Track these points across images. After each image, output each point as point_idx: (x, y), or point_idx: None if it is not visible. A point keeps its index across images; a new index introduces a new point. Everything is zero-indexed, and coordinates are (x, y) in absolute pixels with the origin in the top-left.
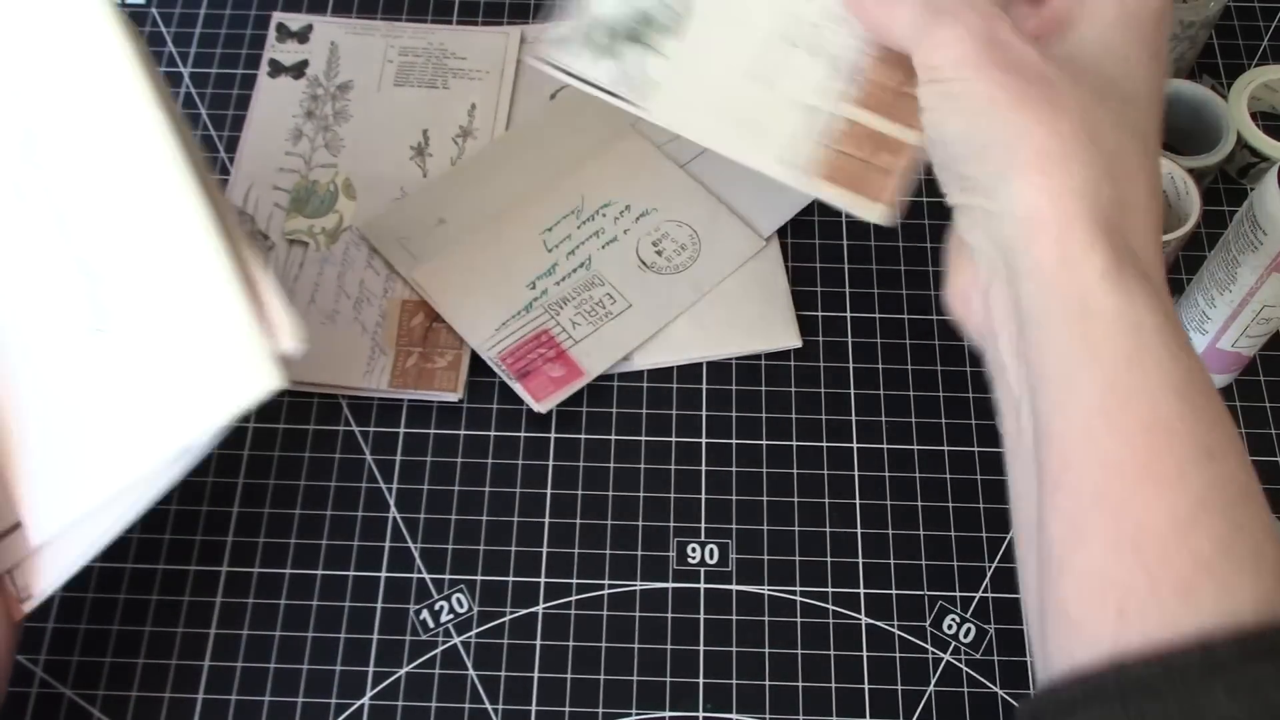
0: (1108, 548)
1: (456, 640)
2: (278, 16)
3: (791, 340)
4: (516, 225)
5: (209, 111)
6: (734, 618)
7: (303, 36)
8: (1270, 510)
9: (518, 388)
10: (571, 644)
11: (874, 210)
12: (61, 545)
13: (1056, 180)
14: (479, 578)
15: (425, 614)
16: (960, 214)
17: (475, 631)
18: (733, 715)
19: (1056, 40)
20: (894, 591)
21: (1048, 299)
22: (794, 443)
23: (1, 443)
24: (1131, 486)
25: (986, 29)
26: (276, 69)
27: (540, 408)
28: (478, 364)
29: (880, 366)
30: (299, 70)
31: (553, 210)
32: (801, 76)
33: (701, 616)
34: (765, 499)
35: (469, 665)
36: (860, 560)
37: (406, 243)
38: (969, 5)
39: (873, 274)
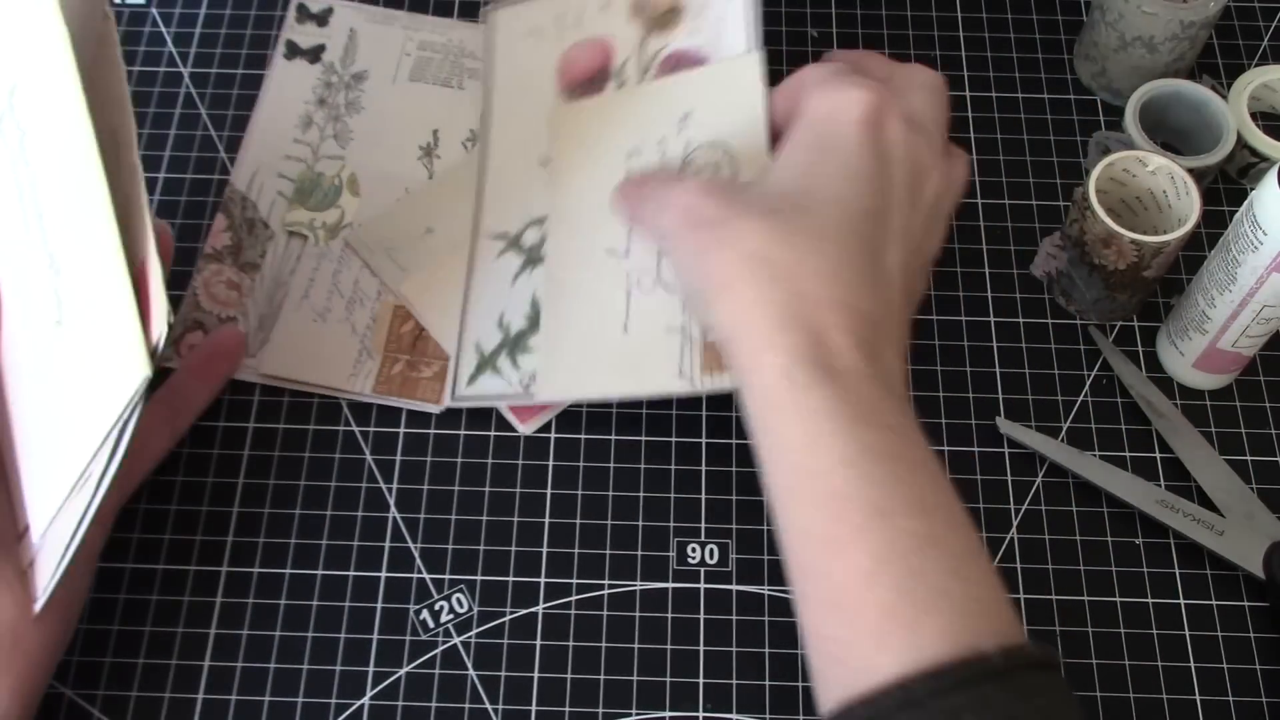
0: (817, 607)
1: (456, 640)
2: None
3: None
4: None
5: (209, 111)
6: (734, 618)
7: (322, 20)
8: (971, 545)
9: (502, 407)
10: (571, 644)
11: None
12: (47, 547)
13: (736, 302)
14: (479, 578)
15: (425, 614)
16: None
17: (475, 631)
18: (733, 715)
19: (763, 177)
20: None
21: (750, 396)
22: None
23: (12, 439)
24: (820, 551)
25: (686, 202)
26: (293, 50)
27: (525, 430)
28: None
29: None
30: (315, 55)
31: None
32: (665, 308)
33: (701, 616)
34: (765, 499)
35: (469, 665)
36: None
37: (394, 254)
38: (683, 187)
39: None
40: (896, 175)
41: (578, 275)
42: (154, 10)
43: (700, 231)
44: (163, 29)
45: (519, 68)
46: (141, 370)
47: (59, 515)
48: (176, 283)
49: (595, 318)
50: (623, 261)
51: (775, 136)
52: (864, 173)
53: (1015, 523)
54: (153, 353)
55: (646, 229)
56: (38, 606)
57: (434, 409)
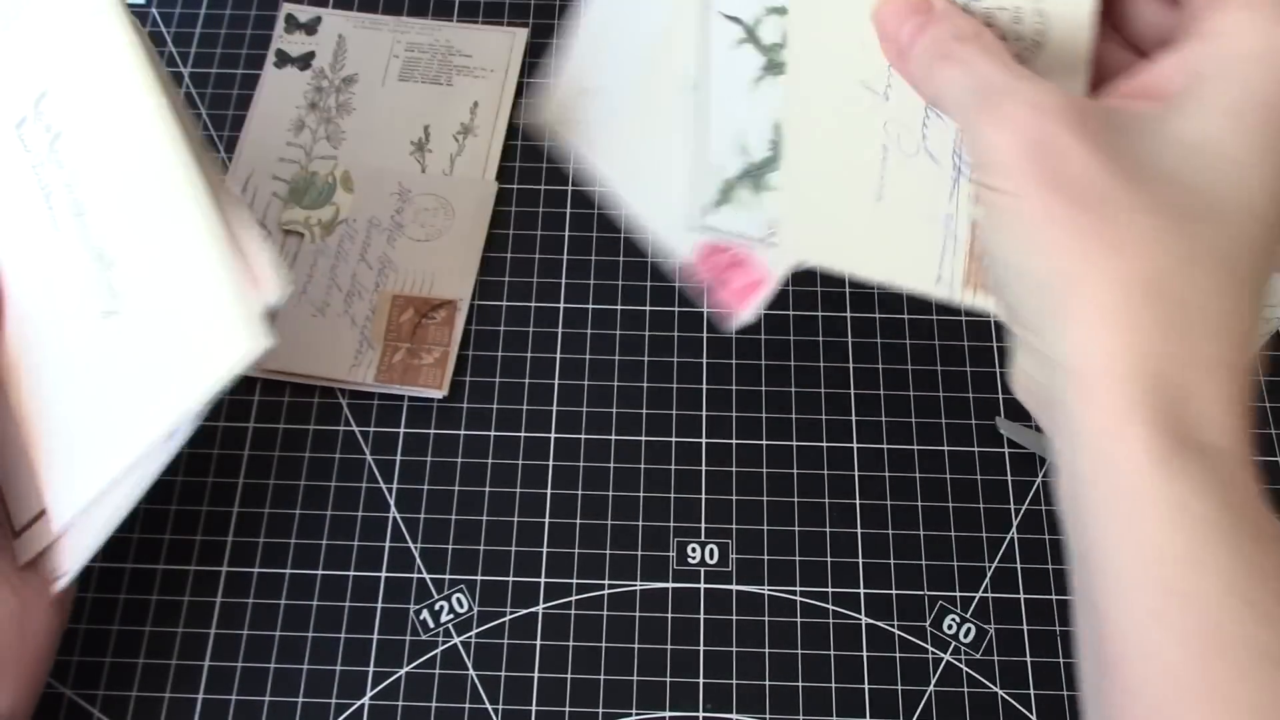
0: None
1: (456, 640)
2: (287, 7)
3: None
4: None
5: (209, 111)
6: (734, 618)
7: (311, 28)
8: None
9: (705, 305)
10: (571, 644)
11: None
12: (80, 526)
13: (1108, 339)
14: (479, 578)
15: (425, 614)
16: (1018, 342)
17: (475, 631)
18: (733, 715)
19: (1150, 124)
20: (894, 591)
21: (1094, 466)
22: (794, 443)
23: (26, 433)
24: (1189, 702)
25: (1039, 129)
26: (283, 60)
27: (747, 316)
28: (477, 363)
29: (880, 367)
30: (305, 62)
31: None
32: (927, 185)
33: (701, 616)
34: (765, 499)
35: (469, 665)
36: (860, 560)
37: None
38: (1025, 91)
39: None
40: None
41: (824, 106)
42: (154, 10)
43: (1068, 201)
44: (163, 29)
45: None
46: (251, 341)
47: (104, 496)
48: None
49: (844, 171)
50: (881, 105)
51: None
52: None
53: (1015, 523)
54: (270, 317)
55: (953, 108)
56: (64, 582)
57: (436, 394)
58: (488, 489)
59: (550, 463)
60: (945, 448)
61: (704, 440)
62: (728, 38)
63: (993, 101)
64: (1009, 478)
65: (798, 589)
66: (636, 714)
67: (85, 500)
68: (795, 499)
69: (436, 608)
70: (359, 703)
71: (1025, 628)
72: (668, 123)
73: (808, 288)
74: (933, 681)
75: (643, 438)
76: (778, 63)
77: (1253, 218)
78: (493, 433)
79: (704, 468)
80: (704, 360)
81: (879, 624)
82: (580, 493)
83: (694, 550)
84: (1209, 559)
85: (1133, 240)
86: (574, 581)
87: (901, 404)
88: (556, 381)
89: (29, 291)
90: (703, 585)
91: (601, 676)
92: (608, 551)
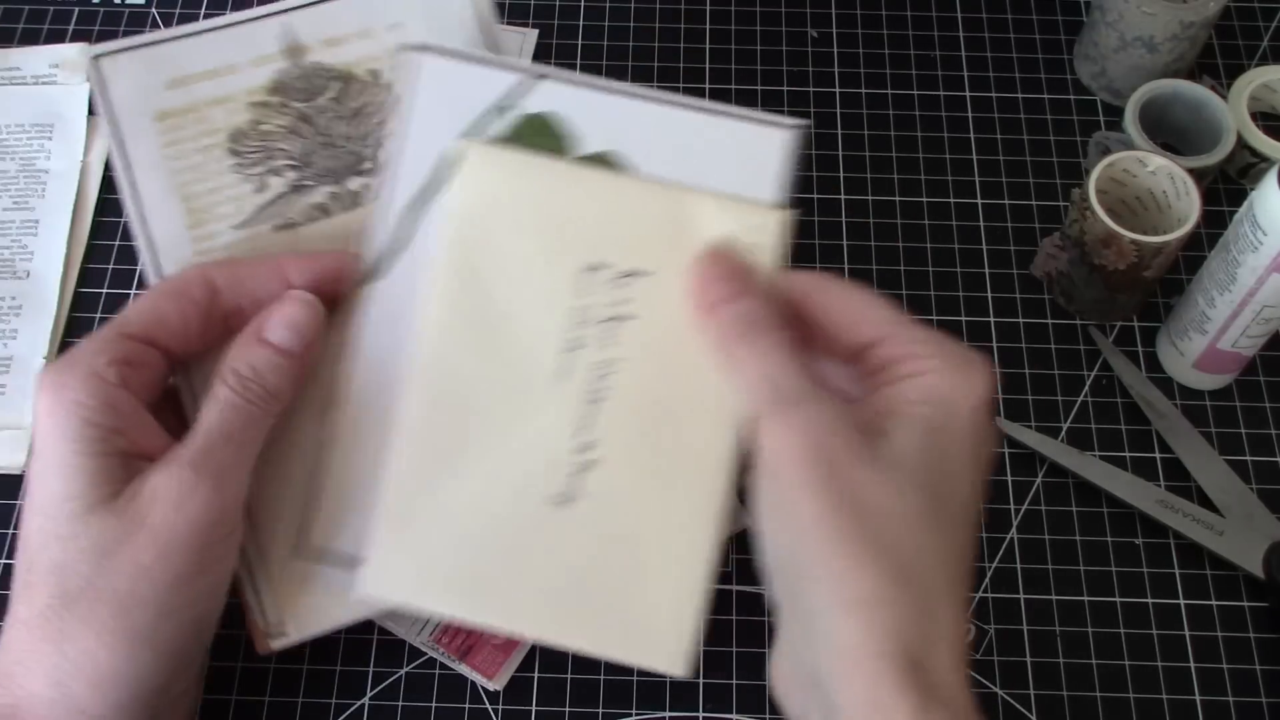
0: None
1: None
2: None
3: None
4: None
5: None
6: (734, 618)
7: None
8: None
9: (464, 669)
10: None
11: None
12: (342, 607)
13: (873, 625)
14: None
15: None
16: (783, 621)
17: None
18: (733, 715)
19: (880, 440)
20: None
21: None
22: None
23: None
24: None
25: (817, 440)
26: None
27: (496, 684)
28: None
29: None
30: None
31: None
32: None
33: None
34: None
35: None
36: None
37: None
38: (809, 402)
39: (873, 274)
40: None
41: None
42: (154, 10)
43: (842, 504)
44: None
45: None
46: (669, 661)
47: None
48: None
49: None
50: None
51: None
52: (979, 472)
53: (1015, 523)
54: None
55: (734, 378)
56: (288, 643)
57: None
58: None
59: None
60: None
61: None
62: None
63: (780, 406)
64: (1009, 478)
65: None
66: (636, 714)
67: (406, 601)
68: None
69: None
70: (359, 703)
71: (1025, 628)
72: None
73: None
74: None
75: None
76: None
77: (961, 504)
78: None
79: None
80: None
81: None
82: None
83: None
84: None
85: (889, 543)
86: None
87: None
88: None
89: (439, 386)
90: None
91: (601, 676)
92: None
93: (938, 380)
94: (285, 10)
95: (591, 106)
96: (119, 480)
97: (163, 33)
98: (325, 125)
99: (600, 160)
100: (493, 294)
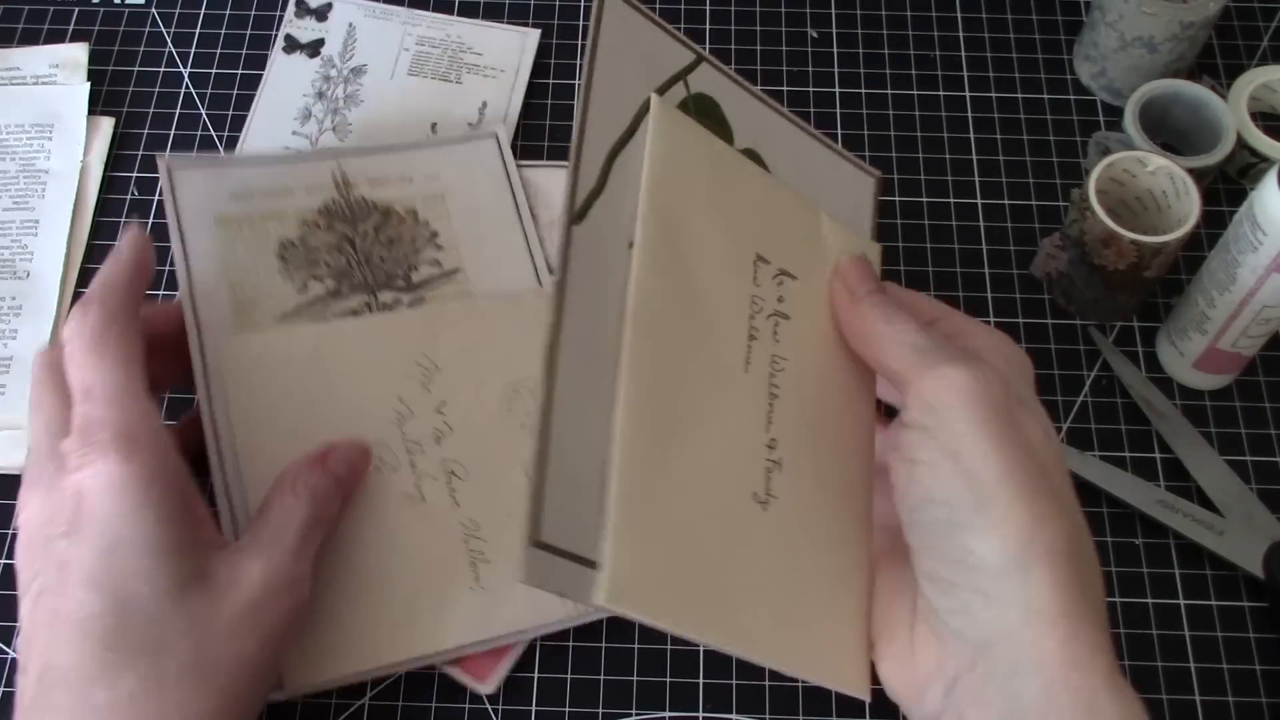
0: None
1: None
2: None
3: None
4: None
5: (208, 112)
6: None
7: (321, 14)
8: None
9: (456, 673)
10: (571, 644)
11: None
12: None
13: (1065, 578)
14: None
15: None
16: (937, 594)
17: None
18: (732, 715)
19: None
20: None
21: (1055, 698)
22: None
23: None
24: None
25: (984, 378)
26: (292, 45)
27: (486, 688)
28: None
29: None
30: (314, 49)
31: None
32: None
33: None
34: None
35: None
36: None
37: None
38: (962, 355)
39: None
40: None
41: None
42: (154, 10)
43: (1024, 458)
44: (163, 29)
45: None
46: (845, 680)
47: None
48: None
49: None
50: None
51: None
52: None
53: None
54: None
55: (882, 357)
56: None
57: None
58: None
59: None
60: None
61: None
62: None
63: (939, 362)
64: None
65: None
66: (636, 714)
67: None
68: None
69: None
70: (359, 703)
71: None
72: None
73: None
74: None
75: None
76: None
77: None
78: None
79: None
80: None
81: None
82: None
83: None
84: None
85: (1065, 497)
86: None
87: None
88: None
89: (654, 364)
90: None
91: (601, 676)
92: None
93: (999, 341)
94: (339, 155)
95: (739, 101)
96: (199, 556)
97: (233, 157)
98: (365, 248)
99: (753, 157)
100: (692, 267)
